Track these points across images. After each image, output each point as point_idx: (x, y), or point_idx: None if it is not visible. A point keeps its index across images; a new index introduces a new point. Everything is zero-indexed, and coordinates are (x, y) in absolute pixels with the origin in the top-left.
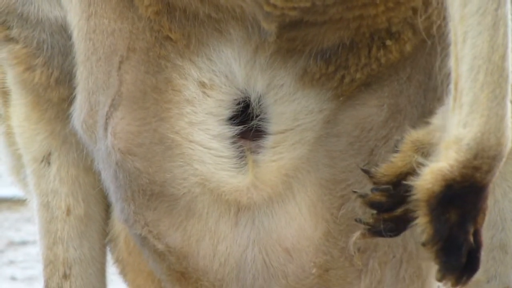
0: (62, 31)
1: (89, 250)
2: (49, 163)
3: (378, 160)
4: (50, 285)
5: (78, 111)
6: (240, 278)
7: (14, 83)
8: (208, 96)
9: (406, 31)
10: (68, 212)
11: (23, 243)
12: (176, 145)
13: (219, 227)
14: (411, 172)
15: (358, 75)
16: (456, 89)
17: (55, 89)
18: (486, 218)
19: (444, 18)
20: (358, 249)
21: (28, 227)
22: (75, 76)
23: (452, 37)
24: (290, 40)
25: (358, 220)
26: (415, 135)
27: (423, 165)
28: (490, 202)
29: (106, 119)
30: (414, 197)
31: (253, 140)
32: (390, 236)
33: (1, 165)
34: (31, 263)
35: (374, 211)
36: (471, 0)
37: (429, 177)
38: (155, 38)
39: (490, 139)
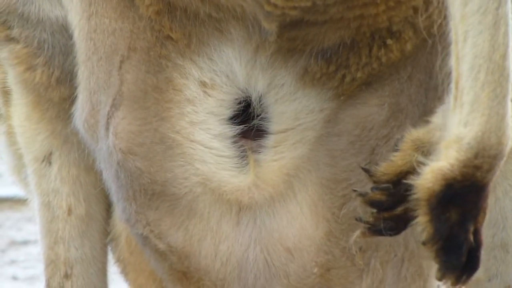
0: (63, 30)
1: (90, 250)
2: (50, 162)
3: (379, 159)
4: (52, 285)
5: (80, 111)
6: (242, 278)
7: (15, 83)
8: (209, 95)
9: (407, 30)
10: (69, 211)
11: (25, 242)
12: (177, 145)
13: (220, 227)
14: (411, 171)
15: (359, 74)
16: (457, 88)
17: (56, 89)
18: (487, 217)
19: (445, 17)
20: (360, 249)
21: (30, 226)
22: (76, 76)
23: (453, 36)
24: (291, 40)
25: (358, 219)
26: (415, 134)
27: (423, 164)
28: (491, 200)
29: (108, 118)
30: (415, 196)
31: (254, 140)
32: (390, 235)
33: (2, 164)
34: (32, 263)
35: (374, 210)
36: None
37: (429, 176)
38: (156, 37)
39: (491, 138)
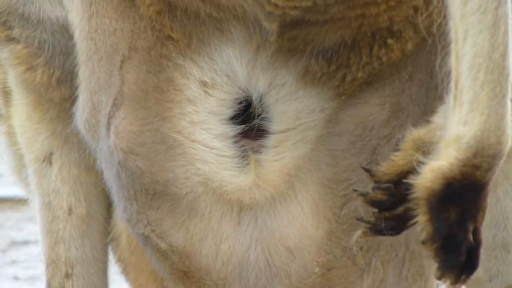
0: (64, 30)
1: (91, 250)
2: (50, 162)
3: (380, 159)
4: (52, 285)
5: (81, 111)
6: (243, 277)
7: (16, 83)
8: (209, 95)
9: (408, 30)
10: (70, 211)
11: (25, 242)
12: (178, 145)
13: (221, 227)
14: (412, 170)
15: (359, 74)
16: (456, 87)
17: (56, 89)
18: (488, 217)
19: (445, 16)
20: (361, 248)
21: (30, 226)
22: (76, 76)
23: (452, 35)
24: (292, 40)
25: (359, 219)
26: (416, 133)
27: (423, 163)
28: (492, 200)
29: (109, 118)
30: (414, 195)
31: (255, 140)
32: (391, 235)
33: (3, 164)
34: (33, 263)
35: (375, 210)
36: None
37: (429, 175)
38: (156, 37)
39: (490, 137)
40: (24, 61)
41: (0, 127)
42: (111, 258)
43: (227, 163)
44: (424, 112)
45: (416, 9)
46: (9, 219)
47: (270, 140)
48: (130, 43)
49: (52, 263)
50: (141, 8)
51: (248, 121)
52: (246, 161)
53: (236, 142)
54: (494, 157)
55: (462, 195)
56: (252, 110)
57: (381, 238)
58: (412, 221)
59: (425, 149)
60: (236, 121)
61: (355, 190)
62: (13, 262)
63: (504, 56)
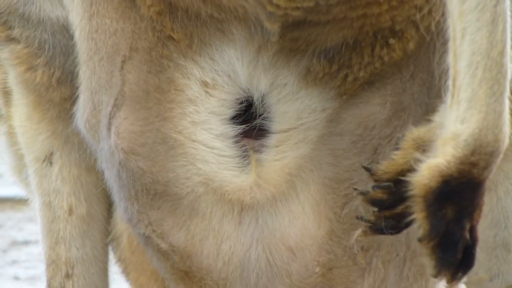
0: (64, 31)
1: (92, 250)
2: (51, 162)
3: (382, 158)
4: (53, 285)
5: (81, 111)
6: (244, 277)
7: (16, 83)
8: (210, 95)
9: (409, 30)
10: (70, 211)
11: (26, 242)
12: (179, 145)
13: (222, 226)
14: (412, 169)
15: (361, 74)
16: (454, 85)
17: (56, 89)
18: (488, 216)
19: (443, 14)
20: (362, 248)
21: (31, 226)
22: (77, 76)
23: (450, 33)
24: (293, 40)
25: (360, 218)
26: (416, 132)
27: (420, 161)
28: (493, 200)
29: (109, 118)
30: (411, 192)
31: (256, 139)
32: (391, 234)
33: (3, 164)
34: (33, 263)
35: (375, 209)
36: None
37: (426, 172)
38: (157, 38)
39: (488, 135)
40: (25, 61)
41: (0, 127)
42: (112, 258)
43: (228, 163)
44: (425, 111)
45: (418, 8)
46: (9, 219)
47: (271, 140)
48: (131, 44)
49: (52, 263)
50: (142, 8)
51: (249, 121)
52: (247, 161)
53: (237, 142)
54: (491, 155)
55: (459, 193)
56: (253, 110)
57: (382, 237)
58: (409, 219)
59: (425, 148)
60: (237, 121)
61: (356, 189)
62: (14, 262)
63: (502, 53)
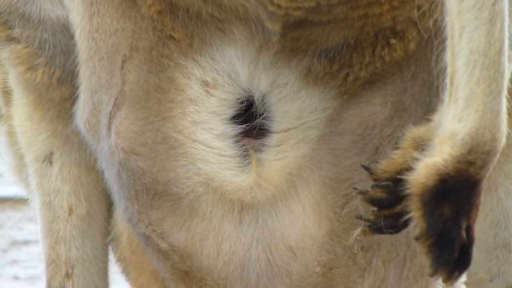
0: (64, 30)
1: (92, 249)
2: (51, 162)
3: (383, 158)
4: (53, 285)
5: (81, 110)
6: (244, 277)
7: (16, 83)
8: (211, 95)
9: (411, 30)
10: (70, 211)
11: (26, 242)
12: (179, 144)
13: (222, 226)
14: (412, 168)
15: (362, 74)
16: (451, 84)
17: (57, 89)
18: (488, 216)
19: (441, 12)
20: (362, 248)
21: (31, 226)
22: (77, 76)
23: (448, 31)
24: (294, 40)
25: (359, 217)
26: (415, 132)
27: (418, 160)
28: (493, 200)
29: (110, 118)
30: (408, 191)
31: (257, 139)
32: (391, 233)
33: (3, 164)
34: (33, 263)
35: (375, 208)
36: None
37: (423, 171)
38: (158, 37)
39: (485, 134)
40: (25, 61)
41: (1, 127)
42: (112, 258)
43: (228, 163)
44: (426, 111)
45: (419, 8)
46: (9, 219)
47: (272, 139)
48: (132, 43)
49: (52, 263)
50: (142, 8)
51: (250, 121)
52: (247, 161)
53: (237, 141)
54: (488, 154)
55: (456, 191)
56: (254, 110)
57: (382, 237)
58: (406, 217)
59: (425, 147)
60: (238, 120)
61: (355, 188)
62: (14, 261)
63: (500, 52)
